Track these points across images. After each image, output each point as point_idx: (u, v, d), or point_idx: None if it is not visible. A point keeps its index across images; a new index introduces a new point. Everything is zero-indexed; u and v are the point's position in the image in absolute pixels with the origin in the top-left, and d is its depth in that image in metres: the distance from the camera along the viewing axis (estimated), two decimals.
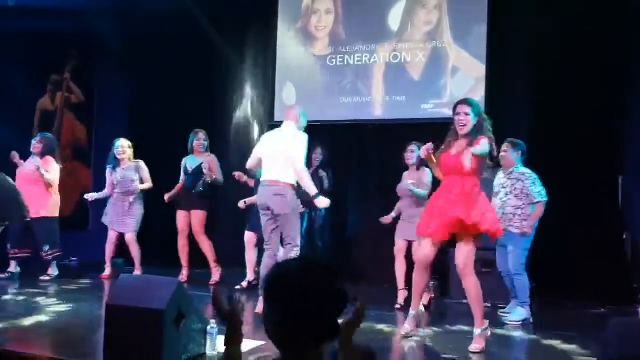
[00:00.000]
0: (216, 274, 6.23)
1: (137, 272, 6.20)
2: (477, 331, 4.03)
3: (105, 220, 6.41)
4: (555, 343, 4.36)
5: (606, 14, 5.86)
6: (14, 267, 6.26)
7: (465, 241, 4.01)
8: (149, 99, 7.43)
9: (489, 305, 5.42)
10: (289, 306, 1.54)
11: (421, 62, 6.58)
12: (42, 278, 6.21)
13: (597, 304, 5.57)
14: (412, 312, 4.36)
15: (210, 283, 6.14)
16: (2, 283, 5.99)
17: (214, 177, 6.01)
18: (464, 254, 4.00)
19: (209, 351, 3.62)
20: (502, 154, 5.02)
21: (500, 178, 5.22)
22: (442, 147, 4.15)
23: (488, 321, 4.15)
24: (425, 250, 4.15)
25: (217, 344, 3.64)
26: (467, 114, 4.03)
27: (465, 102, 4.13)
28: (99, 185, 7.60)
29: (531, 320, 5.00)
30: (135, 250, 6.28)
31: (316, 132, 6.08)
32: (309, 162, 5.38)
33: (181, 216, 6.21)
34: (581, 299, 5.65)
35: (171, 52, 7.28)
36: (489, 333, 4.14)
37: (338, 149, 6.66)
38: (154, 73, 7.42)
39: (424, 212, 4.26)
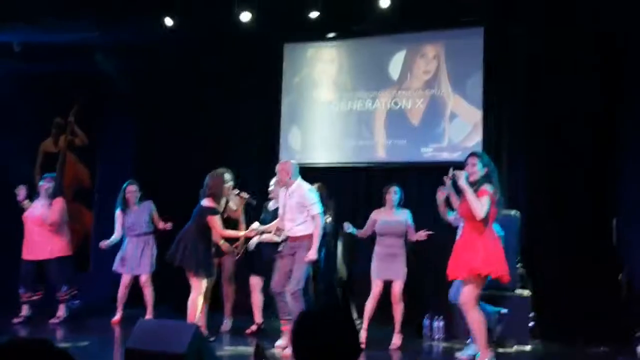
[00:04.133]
0: (229, 324, 6.15)
1: (149, 315, 6.12)
2: None
3: (118, 267, 6.28)
4: None
5: (598, 60, 6.10)
6: (26, 311, 6.23)
7: (465, 280, 4.47)
8: (153, 141, 7.56)
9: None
10: (314, 353, 1.70)
11: (420, 108, 6.81)
12: (52, 321, 6.20)
13: (595, 344, 5.64)
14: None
15: (246, 333, 5.95)
16: (16, 327, 6.02)
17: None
18: (464, 292, 4.49)
19: None
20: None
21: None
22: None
23: (492, 353, 4.34)
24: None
25: None
26: (474, 165, 4.47)
27: (474, 154, 4.61)
28: (101, 227, 7.66)
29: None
30: (149, 293, 6.19)
31: (322, 174, 6.26)
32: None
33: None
34: (579, 339, 5.74)
35: (175, 95, 7.46)
36: None
37: (344, 191, 6.81)
38: (158, 115, 7.59)
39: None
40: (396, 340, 5.53)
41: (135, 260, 6.22)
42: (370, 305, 5.58)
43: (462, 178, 4.43)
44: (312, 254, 5.13)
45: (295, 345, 1.74)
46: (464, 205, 4.49)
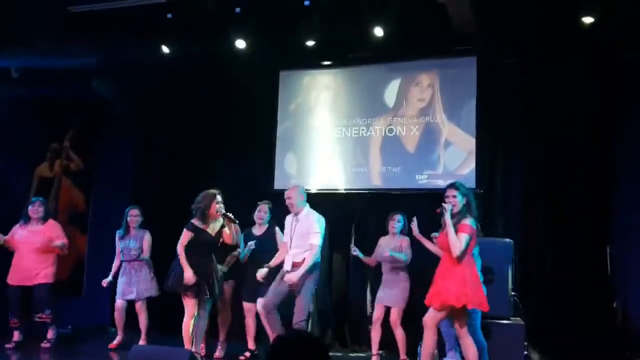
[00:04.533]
0: (222, 350, 6.05)
1: (143, 342, 6.09)
2: None
3: (118, 292, 6.27)
4: None
5: (594, 85, 6.15)
6: (18, 337, 6.21)
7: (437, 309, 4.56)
8: (149, 166, 7.58)
9: None
10: None
11: (415, 135, 6.85)
12: (43, 345, 6.17)
13: None
14: None
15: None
16: (9, 352, 6.01)
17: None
18: (429, 313, 4.62)
19: None
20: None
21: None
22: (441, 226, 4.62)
23: None
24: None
25: None
26: (454, 197, 4.56)
27: (453, 186, 4.68)
28: (95, 251, 7.68)
29: None
30: (143, 319, 6.18)
31: (317, 200, 6.28)
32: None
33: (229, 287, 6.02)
34: None
35: (172, 120, 7.51)
36: None
37: (338, 217, 6.82)
38: (155, 139, 7.64)
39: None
40: None
41: (127, 286, 6.22)
42: (374, 331, 5.78)
43: (447, 213, 4.53)
44: (292, 278, 5.17)
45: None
46: (444, 238, 4.57)
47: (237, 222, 5.46)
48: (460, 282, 4.48)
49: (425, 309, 4.72)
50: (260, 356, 5.95)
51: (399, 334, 5.63)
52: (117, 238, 6.36)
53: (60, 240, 6.32)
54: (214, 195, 5.31)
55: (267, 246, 5.90)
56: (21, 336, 6.22)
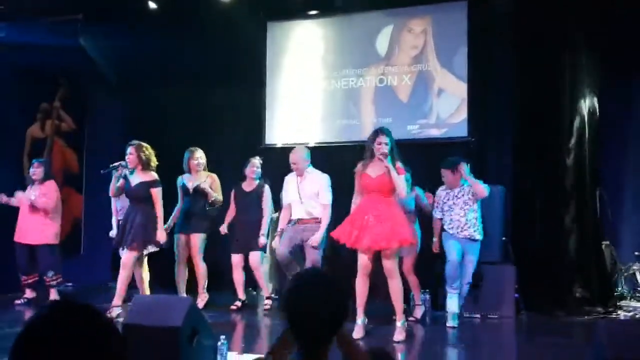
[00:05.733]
0: (202, 301, 6.05)
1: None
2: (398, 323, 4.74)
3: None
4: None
5: (587, 29, 6.14)
6: (30, 294, 6.36)
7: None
8: (141, 124, 7.55)
9: (477, 316, 5.69)
10: (306, 310, 1.80)
11: (407, 85, 6.82)
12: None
13: (579, 313, 5.81)
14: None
15: (231, 309, 6.00)
16: (19, 308, 6.18)
17: (215, 196, 6.01)
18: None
19: None
20: (443, 178, 5.54)
21: (449, 193, 5.55)
22: (359, 168, 4.83)
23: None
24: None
25: (227, 359, 3.80)
26: (386, 144, 4.72)
27: (382, 131, 4.83)
28: (91, 210, 7.75)
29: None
30: (139, 274, 6.17)
31: (311, 153, 6.31)
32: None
33: (181, 240, 6.06)
34: (562, 308, 5.89)
35: (164, 78, 7.45)
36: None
37: (330, 170, 6.84)
38: (146, 98, 7.58)
39: (350, 219, 4.84)
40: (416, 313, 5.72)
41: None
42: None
43: (385, 160, 4.68)
44: (316, 240, 5.35)
45: (286, 305, 1.84)
46: (374, 180, 4.72)
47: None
48: (406, 222, 4.82)
49: None
50: (250, 305, 6.20)
51: (413, 281, 5.63)
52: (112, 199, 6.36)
53: (40, 198, 6.28)
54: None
55: (253, 203, 6.05)
56: (33, 293, 6.37)
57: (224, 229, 6.14)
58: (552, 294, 5.98)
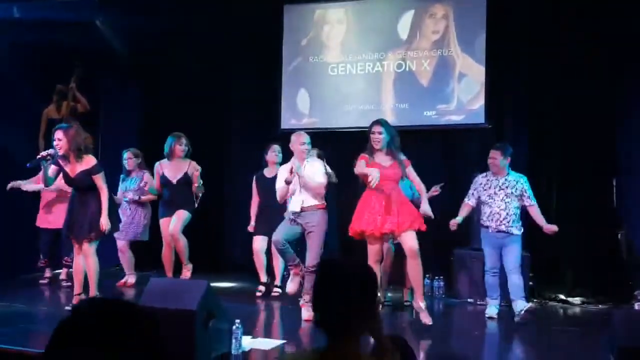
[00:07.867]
0: (188, 271, 6.09)
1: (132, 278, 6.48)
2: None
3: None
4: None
5: (601, 22, 6.08)
6: (49, 273, 6.62)
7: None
8: (157, 106, 7.57)
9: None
10: (337, 299, 1.76)
11: (427, 70, 6.78)
12: (64, 284, 6.47)
13: (594, 302, 5.79)
14: None
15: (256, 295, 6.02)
16: (43, 288, 6.42)
17: (200, 185, 5.93)
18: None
19: (234, 350, 3.79)
20: (490, 161, 5.17)
21: (491, 181, 5.22)
22: (368, 159, 4.79)
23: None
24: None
25: (242, 343, 3.82)
26: (380, 133, 4.73)
27: (378, 122, 4.82)
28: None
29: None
30: (127, 258, 6.46)
31: (327, 138, 6.28)
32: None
33: (165, 224, 6.05)
34: (578, 297, 5.88)
35: (180, 60, 7.43)
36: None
37: (348, 156, 6.81)
38: (160, 81, 7.58)
39: (365, 210, 4.81)
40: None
41: (125, 226, 6.28)
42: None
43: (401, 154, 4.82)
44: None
45: (316, 291, 1.83)
46: (388, 170, 4.74)
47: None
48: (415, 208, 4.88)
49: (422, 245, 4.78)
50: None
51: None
52: (120, 181, 6.55)
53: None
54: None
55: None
56: (51, 272, 6.63)
57: (252, 226, 6.12)
58: (566, 282, 5.96)
